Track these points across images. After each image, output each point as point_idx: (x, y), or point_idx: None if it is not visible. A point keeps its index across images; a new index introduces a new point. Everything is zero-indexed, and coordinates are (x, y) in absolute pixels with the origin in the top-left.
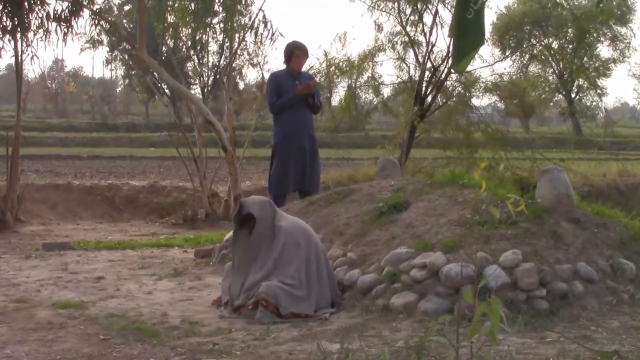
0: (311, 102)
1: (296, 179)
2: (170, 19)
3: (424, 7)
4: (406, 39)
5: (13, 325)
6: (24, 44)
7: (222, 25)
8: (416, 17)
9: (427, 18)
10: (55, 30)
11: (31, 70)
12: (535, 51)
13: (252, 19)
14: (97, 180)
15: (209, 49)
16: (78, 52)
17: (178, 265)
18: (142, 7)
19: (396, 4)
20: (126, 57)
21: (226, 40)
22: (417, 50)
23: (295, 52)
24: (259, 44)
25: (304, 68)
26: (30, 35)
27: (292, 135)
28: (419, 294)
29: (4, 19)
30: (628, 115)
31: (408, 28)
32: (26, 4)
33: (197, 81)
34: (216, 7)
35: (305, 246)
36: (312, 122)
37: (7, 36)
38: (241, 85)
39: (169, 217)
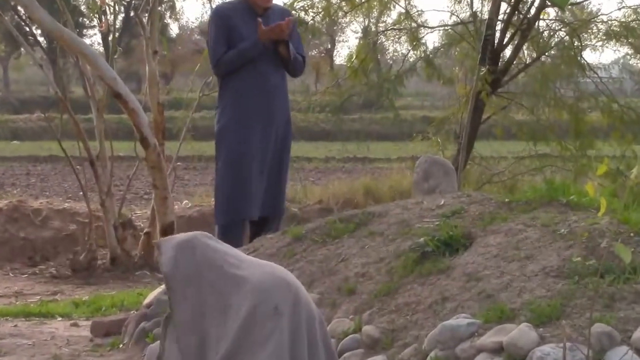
0: (284, 54)
1: (263, 197)
2: None
3: None
4: None
5: None
6: None
7: None
8: None
9: None
10: None
11: None
12: None
13: None
14: None
15: None
16: None
17: (62, 349)
18: None
19: None
20: None
21: None
22: None
23: None
24: None
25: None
26: None
27: (251, 112)
28: None
29: None
30: None
31: None
32: None
33: (95, 22)
34: None
35: (289, 313)
36: (284, 89)
37: None
38: (174, 30)
39: (45, 263)
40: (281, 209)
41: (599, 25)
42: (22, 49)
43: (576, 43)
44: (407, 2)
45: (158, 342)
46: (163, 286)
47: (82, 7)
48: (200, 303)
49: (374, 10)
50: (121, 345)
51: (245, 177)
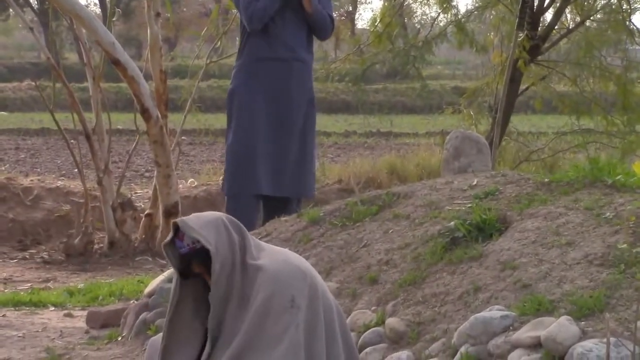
0: (304, 3)
1: (284, 176)
2: None
3: None
4: None
5: None
6: None
7: None
8: None
9: None
10: None
11: None
12: None
13: None
14: None
15: None
16: None
17: (55, 342)
18: None
19: None
20: None
21: None
22: None
23: None
24: None
25: None
26: None
27: (264, 79)
28: None
29: None
30: None
31: None
32: None
33: None
34: None
35: (307, 306)
36: (306, 66)
37: None
38: None
39: (37, 247)
40: (301, 191)
41: None
42: (11, 10)
43: (625, 6)
44: None
45: (160, 334)
46: (165, 273)
47: None
48: (224, 289)
49: None
50: (119, 338)
51: (253, 148)
